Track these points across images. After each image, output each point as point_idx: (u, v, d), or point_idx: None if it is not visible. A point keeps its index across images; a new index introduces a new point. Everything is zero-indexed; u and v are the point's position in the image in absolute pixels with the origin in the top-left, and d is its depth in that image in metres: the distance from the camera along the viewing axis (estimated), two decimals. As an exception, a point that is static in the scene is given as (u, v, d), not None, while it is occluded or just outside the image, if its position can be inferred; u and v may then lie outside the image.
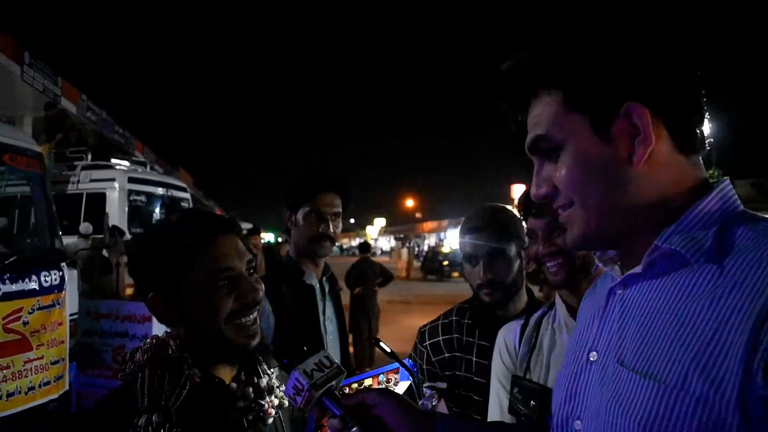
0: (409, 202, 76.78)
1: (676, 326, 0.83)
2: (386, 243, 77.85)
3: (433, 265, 32.43)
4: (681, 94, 0.93)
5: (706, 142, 0.96)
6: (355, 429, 1.07)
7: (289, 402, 1.15)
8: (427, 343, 2.13)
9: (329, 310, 2.62)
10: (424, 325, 2.22)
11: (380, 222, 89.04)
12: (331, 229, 2.50)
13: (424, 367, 2.08)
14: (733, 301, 0.78)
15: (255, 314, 1.35)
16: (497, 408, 1.78)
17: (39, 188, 5.42)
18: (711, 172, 26.55)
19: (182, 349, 1.34)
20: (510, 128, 1.07)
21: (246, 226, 15.06)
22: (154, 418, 1.22)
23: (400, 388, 1.70)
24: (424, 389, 1.80)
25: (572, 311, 1.68)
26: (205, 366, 1.35)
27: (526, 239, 1.96)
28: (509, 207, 2.14)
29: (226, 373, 1.40)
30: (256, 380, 1.41)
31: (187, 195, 12.19)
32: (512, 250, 2.01)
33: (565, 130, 0.94)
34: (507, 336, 1.84)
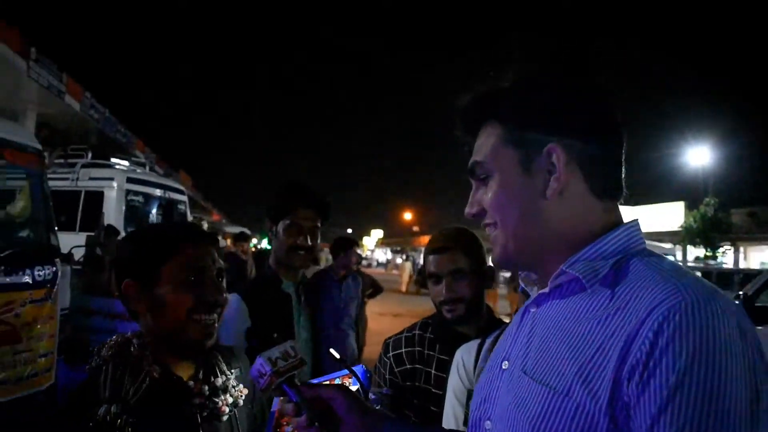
0: (407, 215, 76.90)
1: (567, 342, 0.96)
2: (382, 255, 77.88)
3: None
4: (596, 144, 1.05)
5: (624, 190, 1.09)
6: (305, 416, 1.18)
7: (254, 381, 1.27)
8: (391, 354, 2.24)
9: (303, 319, 2.73)
10: (389, 337, 2.32)
11: (377, 233, 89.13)
12: (309, 242, 2.62)
13: (387, 376, 2.18)
14: (614, 324, 0.91)
15: (215, 316, 1.50)
16: (452, 420, 1.89)
17: (37, 185, 5.51)
18: (707, 200, 26.77)
19: (143, 347, 1.48)
20: (465, 151, 1.20)
21: (236, 231, 15.13)
22: (113, 409, 1.35)
23: None
24: (370, 394, 1.91)
25: None
26: (165, 363, 1.49)
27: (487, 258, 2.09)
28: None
29: (185, 371, 1.53)
30: (212, 379, 1.54)
31: (184, 197, 12.31)
32: (473, 269, 2.12)
33: (497, 160, 1.08)
34: (464, 354, 1.96)
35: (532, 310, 1.11)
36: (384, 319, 14.72)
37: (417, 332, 2.26)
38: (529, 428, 0.94)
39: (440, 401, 2.03)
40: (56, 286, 5.03)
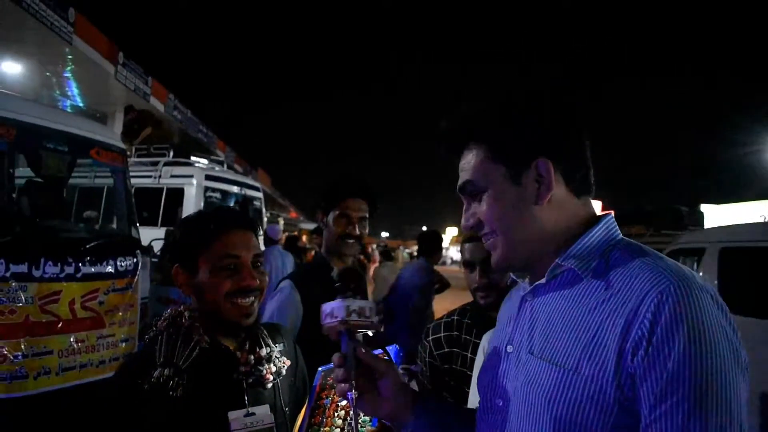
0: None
1: (570, 324, 1.10)
2: (457, 253, 77.26)
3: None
4: (574, 153, 1.21)
5: (592, 186, 1.23)
6: (344, 372, 1.27)
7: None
8: (431, 338, 2.36)
9: None
10: (431, 323, 2.42)
11: (452, 231, 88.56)
12: (357, 231, 2.75)
13: (426, 359, 2.30)
14: (610, 306, 1.04)
15: (252, 298, 1.65)
16: (476, 401, 1.97)
17: (121, 181, 5.88)
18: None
19: (194, 319, 1.65)
20: (448, 167, 1.33)
21: (312, 227, 15.39)
22: (166, 372, 1.51)
23: None
24: (399, 369, 2.00)
25: None
26: (214, 334, 1.64)
27: None
28: None
29: (232, 343, 1.69)
30: (257, 350, 1.69)
31: (259, 194, 12.69)
32: None
33: (488, 177, 1.20)
34: (489, 340, 2.03)
35: (529, 299, 1.23)
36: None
37: (456, 318, 2.36)
38: (544, 402, 1.07)
39: None
40: (137, 276, 5.36)
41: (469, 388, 2.17)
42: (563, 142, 1.19)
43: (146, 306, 6.05)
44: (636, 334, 0.98)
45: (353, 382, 1.27)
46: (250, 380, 1.64)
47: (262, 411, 1.62)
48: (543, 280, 1.19)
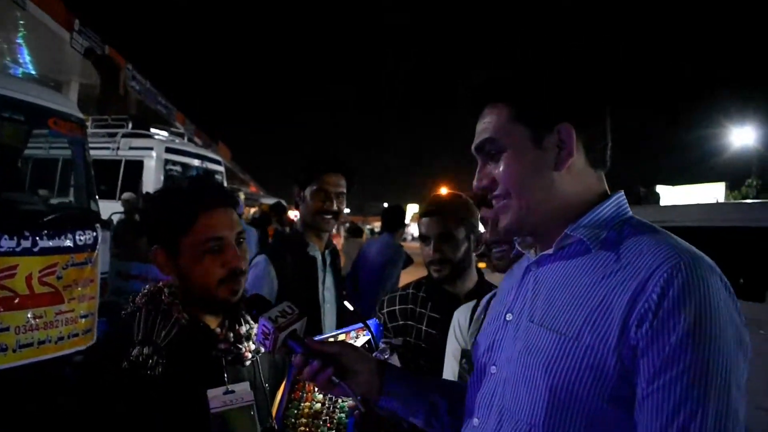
0: (443, 190, 76.40)
1: (574, 294, 1.09)
2: (416, 229, 77.38)
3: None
4: (597, 122, 1.20)
5: (608, 161, 1.23)
6: (316, 362, 1.28)
7: (260, 342, 1.37)
8: (385, 310, 2.37)
9: (329, 281, 2.84)
10: (385, 295, 2.45)
11: (413, 208, 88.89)
12: (335, 206, 2.73)
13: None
14: (618, 279, 1.04)
15: (240, 279, 1.59)
16: (450, 376, 2.00)
17: (79, 153, 5.69)
18: (749, 181, 25.90)
19: (174, 295, 1.59)
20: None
21: (273, 202, 15.23)
22: (145, 350, 1.46)
23: (360, 342, 1.89)
24: (380, 343, 2.00)
25: None
26: (194, 312, 1.59)
27: (479, 225, 2.19)
28: (463, 194, 2.37)
29: (212, 320, 1.64)
30: (237, 327, 1.65)
31: (221, 168, 12.51)
32: (461, 233, 2.25)
33: (510, 137, 1.19)
34: (460, 317, 2.08)
35: (533, 269, 1.23)
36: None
37: (411, 291, 2.38)
38: (543, 370, 1.07)
39: (429, 356, 2.16)
40: (96, 251, 5.23)
41: (424, 361, 2.19)
42: (588, 110, 1.19)
43: (106, 281, 5.94)
44: (642, 306, 0.98)
45: (331, 370, 1.28)
46: (229, 358, 1.61)
47: (242, 388, 1.59)
48: (550, 251, 1.18)
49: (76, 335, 4.83)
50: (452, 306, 2.24)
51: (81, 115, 5.73)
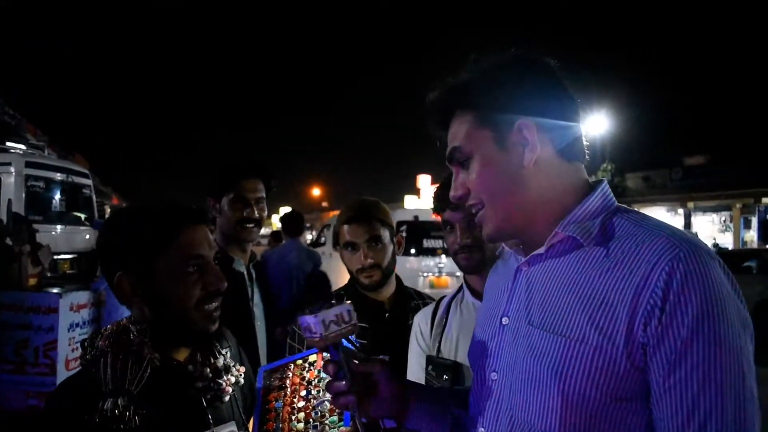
0: (316, 191, 76.41)
1: (573, 293, 1.07)
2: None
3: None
4: (560, 115, 1.17)
5: (586, 152, 1.21)
6: (344, 383, 1.20)
7: (301, 332, 1.26)
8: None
9: (256, 297, 2.66)
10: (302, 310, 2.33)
11: (286, 210, 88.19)
12: (256, 213, 2.55)
13: (296, 346, 2.15)
14: (616, 275, 1.02)
15: (218, 302, 1.43)
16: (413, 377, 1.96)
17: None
18: (604, 165, 28.10)
19: (142, 333, 1.38)
20: (437, 143, 1.31)
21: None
22: (120, 402, 1.26)
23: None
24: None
25: (475, 293, 1.92)
26: (163, 349, 1.40)
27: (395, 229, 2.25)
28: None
29: (183, 355, 1.45)
30: (212, 360, 1.48)
31: (89, 181, 11.74)
32: (387, 236, 2.20)
33: (474, 143, 1.18)
34: (421, 321, 2.03)
35: (524, 269, 1.21)
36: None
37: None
38: (552, 375, 1.04)
39: None
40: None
41: None
42: (546, 103, 1.16)
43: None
44: (648, 303, 0.97)
45: (354, 398, 1.21)
46: (208, 396, 1.43)
47: (229, 430, 1.44)
48: (541, 250, 1.15)
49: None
50: (378, 313, 2.20)
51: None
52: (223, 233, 2.59)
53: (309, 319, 1.22)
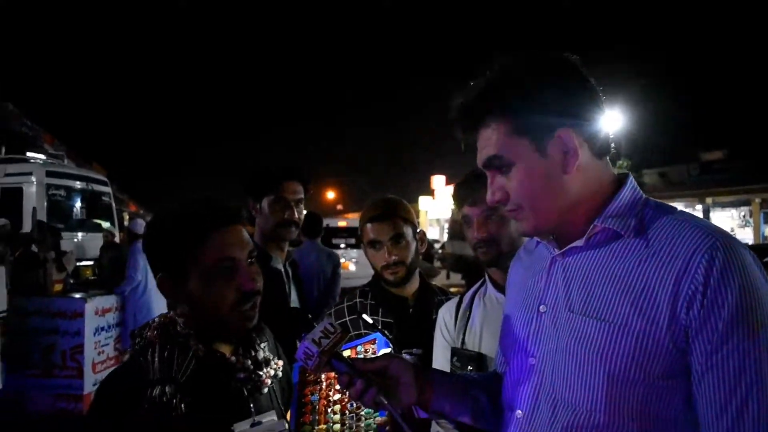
0: (330, 194, 76.58)
1: (614, 280, 1.13)
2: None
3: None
4: (593, 117, 1.21)
5: (611, 146, 1.26)
6: (359, 382, 1.25)
7: (302, 363, 1.30)
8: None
9: (293, 294, 2.75)
10: (330, 308, 2.39)
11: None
12: (296, 215, 2.65)
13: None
14: (657, 263, 1.09)
15: (255, 301, 1.46)
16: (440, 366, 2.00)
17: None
18: (620, 162, 27.78)
19: (188, 326, 1.45)
20: (461, 146, 1.32)
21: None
22: (167, 389, 1.32)
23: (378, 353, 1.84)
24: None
25: (498, 286, 1.97)
26: (207, 341, 1.46)
27: (418, 227, 2.33)
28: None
29: (226, 348, 1.51)
30: (253, 353, 1.54)
31: (107, 189, 11.87)
32: (409, 234, 2.27)
33: (513, 151, 1.20)
34: (445, 314, 2.09)
35: (559, 260, 1.26)
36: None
37: (358, 300, 2.34)
38: (597, 358, 1.11)
39: None
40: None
41: None
42: (584, 108, 1.20)
43: (4, 321, 5.42)
44: (690, 288, 1.03)
45: (375, 389, 1.25)
46: (249, 386, 1.48)
47: (269, 418, 1.48)
48: (580, 242, 1.21)
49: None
50: (403, 308, 2.27)
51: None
52: (263, 232, 2.70)
53: (301, 348, 1.29)
